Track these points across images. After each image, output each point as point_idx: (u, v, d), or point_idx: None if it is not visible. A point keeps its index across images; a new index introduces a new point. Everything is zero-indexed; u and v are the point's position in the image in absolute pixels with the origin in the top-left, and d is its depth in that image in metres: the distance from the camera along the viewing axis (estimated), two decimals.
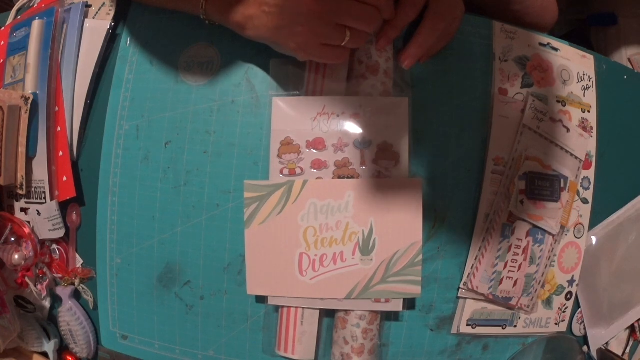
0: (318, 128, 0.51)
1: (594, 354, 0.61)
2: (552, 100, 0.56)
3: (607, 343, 0.62)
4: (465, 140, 0.54)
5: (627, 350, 0.63)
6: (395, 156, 0.50)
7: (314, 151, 0.51)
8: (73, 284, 0.58)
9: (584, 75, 0.59)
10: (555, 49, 0.58)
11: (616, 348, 0.63)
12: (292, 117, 0.51)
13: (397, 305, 0.51)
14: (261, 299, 0.53)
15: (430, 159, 0.53)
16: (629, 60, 0.82)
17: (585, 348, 0.61)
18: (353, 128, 0.51)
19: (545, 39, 0.58)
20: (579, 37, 0.86)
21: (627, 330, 0.63)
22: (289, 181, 0.50)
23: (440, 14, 0.50)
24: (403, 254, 0.50)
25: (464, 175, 0.54)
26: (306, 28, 0.45)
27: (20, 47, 0.58)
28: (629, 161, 0.61)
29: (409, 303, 0.54)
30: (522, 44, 0.56)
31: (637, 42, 0.82)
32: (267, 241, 0.51)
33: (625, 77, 0.62)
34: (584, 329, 0.60)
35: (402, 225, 0.50)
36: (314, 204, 0.50)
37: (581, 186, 0.58)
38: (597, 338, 0.61)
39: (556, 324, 0.59)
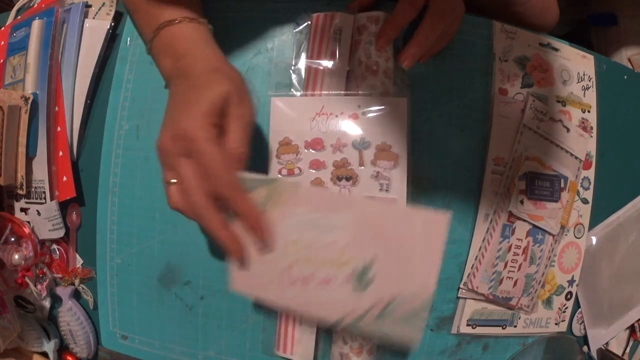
0: (317, 128, 0.51)
1: (594, 354, 0.61)
2: (552, 100, 0.56)
3: (607, 343, 0.62)
4: (465, 140, 0.54)
5: (627, 350, 0.63)
6: (394, 157, 0.50)
7: (312, 151, 0.51)
8: (73, 284, 0.58)
9: (584, 75, 0.59)
10: (555, 49, 0.58)
11: (616, 348, 0.63)
12: (290, 117, 0.51)
13: None
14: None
15: (430, 159, 0.53)
16: (629, 60, 0.82)
17: (585, 348, 0.61)
18: (351, 128, 0.51)
19: (545, 38, 0.58)
20: (579, 37, 0.86)
21: (627, 330, 0.63)
22: (276, 179, 0.45)
23: (440, 12, 0.49)
24: (405, 301, 0.41)
25: (464, 175, 0.54)
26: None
27: (20, 47, 0.58)
28: (629, 161, 0.61)
29: None
30: (522, 44, 0.56)
31: (637, 42, 0.83)
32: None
33: (625, 77, 0.62)
34: (584, 329, 0.60)
35: (413, 267, 0.40)
36: (302, 215, 0.42)
37: (581, 186, 0.58)
38: (597, 338, 0.61)
39: (556, 324, 0.59)
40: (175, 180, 0.42)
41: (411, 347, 0.46)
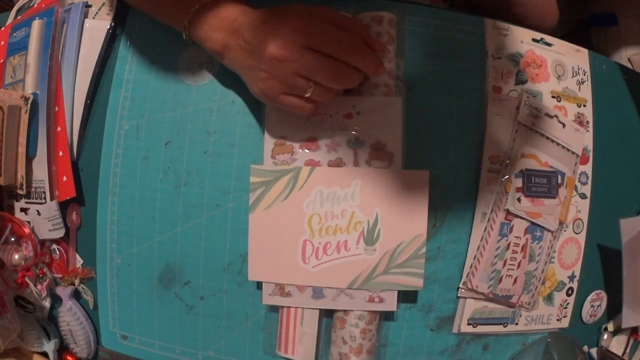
0: (311, 128, 0.51)
1: (626, 325, 0.59)
2: (547, 96, 0.56)
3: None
4: (461, 140, 0.54)
5: (627, 350, 0.63)
6: (388, 156, 0.50)
7: (307, 151, 0.51)
8: (73, 284, 0.58)
9: (578, 69, 0.58)
10: (549, 44, 0.57)
11: (616, 348, 0.62)
12: (285, 117, 0.51)
13: (391, 305, 0.51)
14: (260, 299, 0.53)
15: (429, 159, 0.53)
16: (629, 60, 0.82)
17: (585, 348, 0.61)
18: (346, 128, 0.51)
19: (538, 34, 0.57)
20: (579, 37, 0.86)
21: (628, 330, 0.63)
22: (296, 167, 0.50)
23: None
24: (407, 245, 0.50)
25: (464, 174, 0.54)
26: (268, 74, 0.44)
27: (20, 47, 0.58)
28: (627, 154, 0.61)
29: (409, 303, 0.54)
30: (514, 40, 0.56)
31: (637, 42, 0.83)
32: (271, 227, 0.51)
33: (625, 77, 0.62)
34: (594, 314, 0.60)
35: (408, 216, 0.50)
36: (320, 192, 0.50)
37: (579, 181, 0.57)
38: (629, 317, 0.59)
39: (558, 320, 0.58)
40: (311, 84, 0.44)
41: (417, 289, 0.51)
